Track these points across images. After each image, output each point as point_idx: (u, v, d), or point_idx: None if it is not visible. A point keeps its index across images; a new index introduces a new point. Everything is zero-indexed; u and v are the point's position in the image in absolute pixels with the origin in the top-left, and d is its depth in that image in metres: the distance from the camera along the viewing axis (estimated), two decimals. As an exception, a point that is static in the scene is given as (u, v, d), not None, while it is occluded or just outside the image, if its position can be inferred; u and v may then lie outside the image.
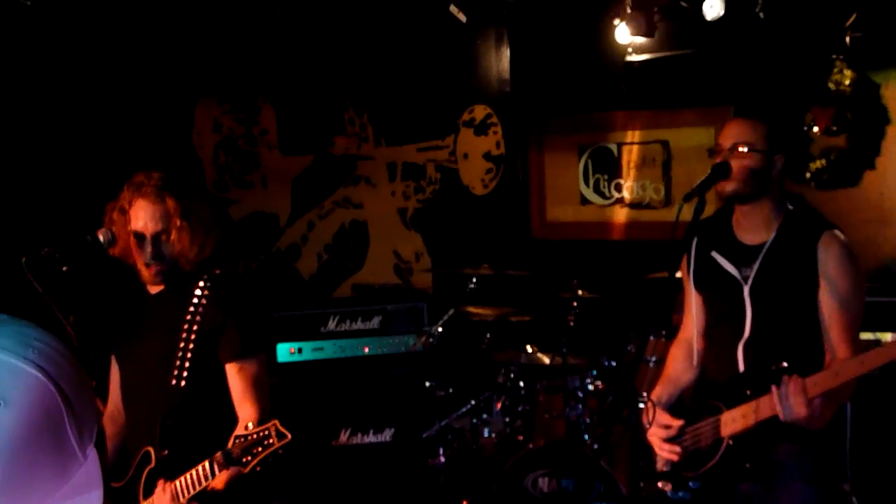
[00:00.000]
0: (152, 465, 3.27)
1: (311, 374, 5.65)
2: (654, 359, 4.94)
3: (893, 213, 5.31)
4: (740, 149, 3.29)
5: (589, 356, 5.20)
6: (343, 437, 5.58)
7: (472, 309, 5.51)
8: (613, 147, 6.28)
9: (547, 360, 5.29)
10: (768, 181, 3.32)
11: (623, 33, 5.72)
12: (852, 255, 3.25)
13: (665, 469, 3.50)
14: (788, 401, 3.00)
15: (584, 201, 6.41)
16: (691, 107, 5.93)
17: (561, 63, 6.37)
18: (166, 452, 3.27)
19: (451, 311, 5.35)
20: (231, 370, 3.39)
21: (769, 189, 3.33)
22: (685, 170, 5.96)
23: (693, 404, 3.52)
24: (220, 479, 3.14)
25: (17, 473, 1.13)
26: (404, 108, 6.71)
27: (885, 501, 4.67)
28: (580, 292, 5.22)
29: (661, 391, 3.67)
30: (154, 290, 3.48)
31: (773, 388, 3.04)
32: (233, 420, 3.34)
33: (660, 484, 3.49)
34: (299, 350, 5.64)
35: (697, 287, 3.57)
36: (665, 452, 3.47)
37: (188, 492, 3.13)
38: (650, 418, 3.50)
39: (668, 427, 3.47)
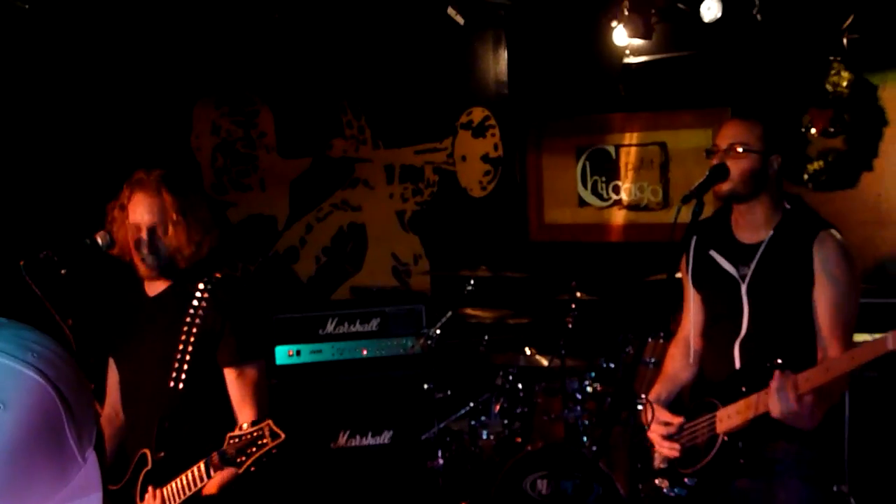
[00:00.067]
0: (149, 467, 3.27)
1: (309, 377, 5.65)
2: (652, 360, 4.94)
3: (891, 215, 5.32)
4: (737, 149, 3.32)
5: (587, 358, 5.21)
6: (342, 440, 5.58)
7: (470, 311, 5.51)
8: (611, 149, 6.29)
9: (545, 362, 5.29)
10: (765, 181, 3.34)
11: (620, 35, 5.72)
12: (848, 255, 3.27)
13: (662, 466, 3.53)
14: (778, 396, 3.01)
15: (583, 203, 6.42)
16: (689, 108, 5.94)
17: (559, 65, 6.38)
18: (162, 454, 3.27)
19: (450, 314, 5.36)
20: (230, 375, 3.39)
21: (766, 188, 3.36)
22: (683, 171, 5.96)
23: (691, 402, 3.54)
24: (213, 483, 3.14)
25: (17, 476, 1.13)
26: (402, 111, 6.72)
27: (883, 503, 4.67)
28: (578, 294, 5.22)
29: (660, 389, 3.70)
30: (153, 292, 3.48)
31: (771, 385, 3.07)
32: (230, 424, 3.34)
33: (657, 481, 3.51)
34: (298, 352, 5.64)
35: (696, 286, 3.60)
36: (665, 449, 3.49)
37: (181, 495, 3.13)
38: (649, 417, 3.52)
39: (668, 424, 3.49)
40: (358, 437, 5.59)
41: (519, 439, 5.23)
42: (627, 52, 5.94)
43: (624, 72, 6.01)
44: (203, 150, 6.95)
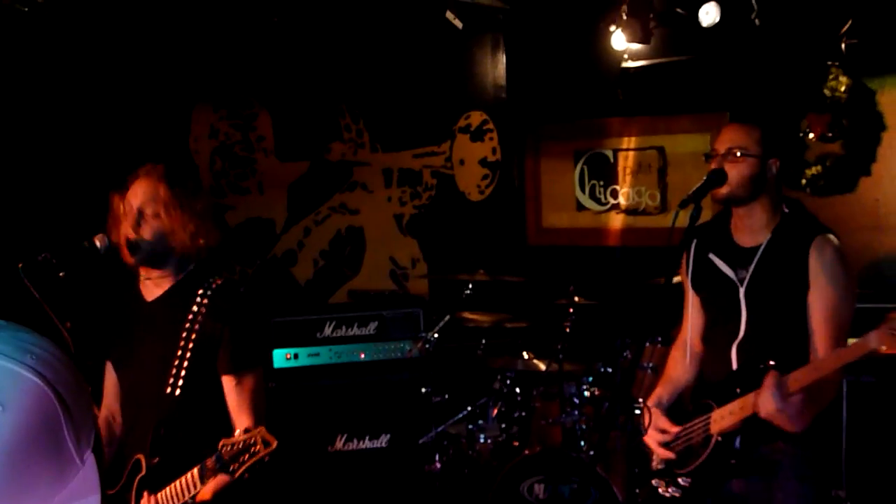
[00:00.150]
0: (143, 473, 3.26)
1: (307, 380, 5.64)
2: (650, 365, 4.94)
3: (888, 220, 5.32)
4: (735, 153, 3.35)
5: (585, 362, 5.21)
6: (339, 443, 5.58)
7: (468, 315, 5.51)
8: (609, 153, 6.29)
9: (543, 367, 5.28)
10: (763, 184, 3.37)
11: (619, 40, 5.73)
12: (844, 260, 3.29)
13: (660, 467, 3.56)
14: (766, 396, 3.05)
15: (581, 207, 6.42)
16: (687, 113, 5.94)
17: (557, 69, 6.38)
18: (157, 461, 3.25)
19: (448, 318, 5.35)
20: (228, 383, 3.37)
21: (765, 192, 3.38)
22: (681, 176, 5.97)
23: (691, 404, 3.56)
24: (208, 489, 3.13)
25: (15, 478, 1.13)
26: (400, 114, 6.72)
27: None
28: (576, 298, 5.22)
29: (660, 392, 3.74)
30: (151, 296, 3.46)
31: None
32: (227, 431, 3.32)
33: (654, 482, 3.55)
34: (295, 356, 5.63)
35: (695, 289, 3.63)
36: (662, 453, 3.54)
37: (175, 501, 3.12)
38: (647, 422, 3.55)
39: (664, 432, 3.53)
40: (355, 441, 5.59)
41: (516, 443, 5.23)
42: (626, 56, 5.95)
43: (622, 76, 6.02)
44: (201, 154, 6.96)
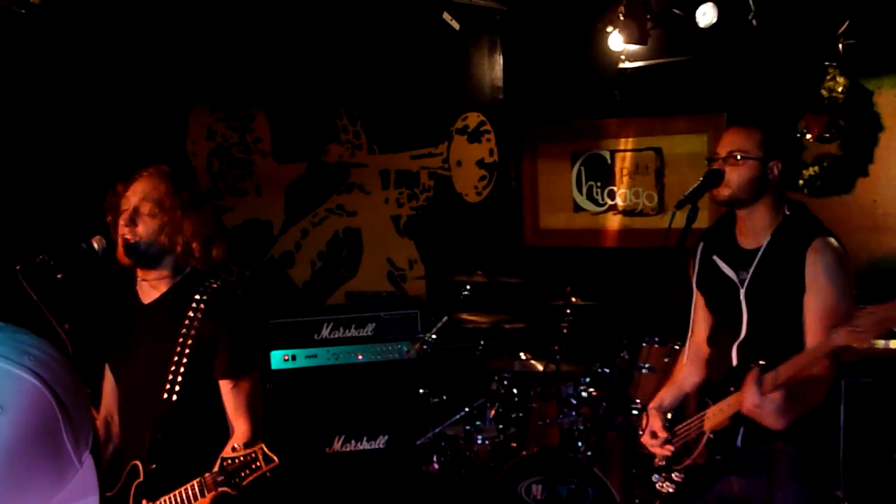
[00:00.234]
0: (140, 478, 3.25)
1: (304, 382, 5.63)
2: (647, 366, 4.96)
3: (886, 220, 5.33)
4: (736, 156, 3.38)
5: (582, 363, 5.21)
6: (337, 444, 5.57)
7: (465, 316, 5.51)
8: (606, 154, 6.30)
9: (540, 368, 5.29)
10: (765, 187, 3.39)
11: (616, 41, 5.74)
12: (841, 262, 3.30)
13: (661, 463, 3.62)
14: (747, 392, 3.11)
15: (578, 208, 6.43)
16: (684, 114, 5.95)
17: (554, 70, 6.39)
18: (153, 466, 3.24)
19: (445, 319, 5.36)
20: (225, 387, 3.36)
21: (766, 194, 3.40)
22: (678, 177, 5.97)
23: (695, 403, 3.62)
24: (206, 501, 3.13)
25: (14, 479, 1.13)
26: (398, 116, 6.72)
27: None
28: (573, 299, 5.23)
29: (663, 394, 3.78)
30: (148, 299, 3.44)
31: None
32: (223, 436, 3.32)
33: (654, 477, 3.62)
34: (293, 357, 5.63)
35: (700, 290, 3.67)
36: (659, 451, 3.61)
37: None
38: (644, 424, 3.63)
39: (655, 436, 3.59)
40: (353, 442, 5.59)
41: (514, 444, 5.24)
42: (623, 57, 5.95)
43: (619, 77, 6.02)
44: (199, 155, 6.95)
